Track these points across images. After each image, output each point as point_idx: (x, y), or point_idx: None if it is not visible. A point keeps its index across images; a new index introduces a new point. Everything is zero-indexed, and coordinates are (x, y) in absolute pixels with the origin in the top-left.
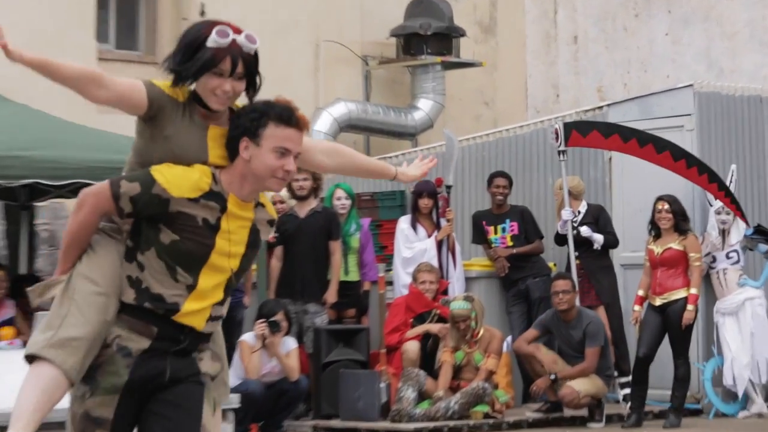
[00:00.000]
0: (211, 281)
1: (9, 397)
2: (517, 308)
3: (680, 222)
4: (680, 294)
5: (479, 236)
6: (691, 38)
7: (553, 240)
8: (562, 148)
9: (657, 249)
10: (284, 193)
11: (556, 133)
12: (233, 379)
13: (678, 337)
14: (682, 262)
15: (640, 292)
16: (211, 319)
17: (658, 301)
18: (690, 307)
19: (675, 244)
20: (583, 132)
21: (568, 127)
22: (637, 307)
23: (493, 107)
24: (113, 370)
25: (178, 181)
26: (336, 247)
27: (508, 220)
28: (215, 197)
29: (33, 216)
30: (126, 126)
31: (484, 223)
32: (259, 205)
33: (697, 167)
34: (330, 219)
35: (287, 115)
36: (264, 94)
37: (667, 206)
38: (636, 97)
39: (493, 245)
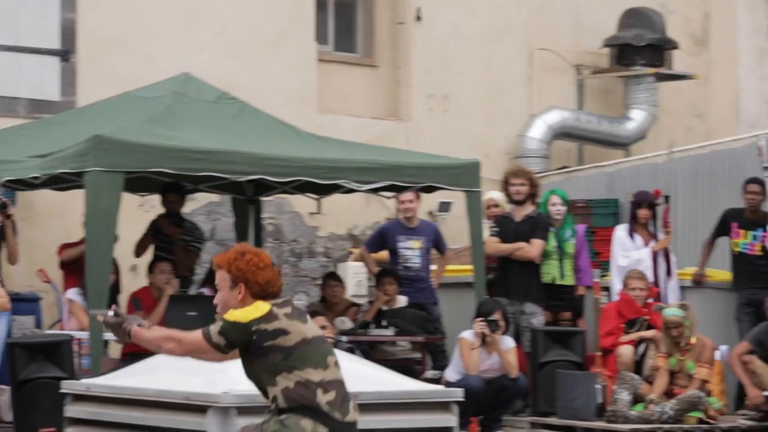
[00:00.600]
0: None
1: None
2: (748, 317)
3: None
4: None
5: (721, 231)
6: None
7: None
8: (766, 164)
9: None
10: (499, 195)
11: (761, 150)
12: (453, 374)
13: None
14: None
15: None
16: None
17: None
18: None
19: None
20: None
21: None
22: None
23: (706, 120)
24: None
25: None
26: (536, 243)
27: (761, 229)
28: None
29: (259, 210)
30: (345, 127)
31: (735, 224)
32: None
33: None
34: (539, 221)
35: None
36: (479, 99)
37: None
38: None
39: (738, 248)
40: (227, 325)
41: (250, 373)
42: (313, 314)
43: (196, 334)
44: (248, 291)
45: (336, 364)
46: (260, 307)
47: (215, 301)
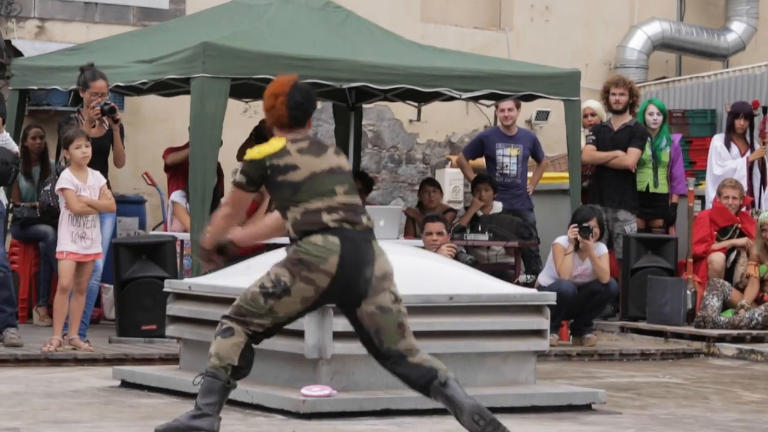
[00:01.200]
0: None
1: None
2: None
3: None
4: None
5: None
6: None
7: None
8: None
9: None
10: (596, 105)
11: None
12: (546, 279)
13: None
14: None
15: None
16: None
17: None
18: None
19: None
20: None
21: None
22: None
23: None
24: None
25: None
26: (632, 152)
27: None
28: None
29: (360, 117)
30: (447, 36)
31: None
32: None
33: None
34: (636, 130)
35: None
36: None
37: None
38: None
39: None
40: (245, 163)
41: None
42: (434, 219)
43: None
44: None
45: (347, 192)
46: (274, 144)
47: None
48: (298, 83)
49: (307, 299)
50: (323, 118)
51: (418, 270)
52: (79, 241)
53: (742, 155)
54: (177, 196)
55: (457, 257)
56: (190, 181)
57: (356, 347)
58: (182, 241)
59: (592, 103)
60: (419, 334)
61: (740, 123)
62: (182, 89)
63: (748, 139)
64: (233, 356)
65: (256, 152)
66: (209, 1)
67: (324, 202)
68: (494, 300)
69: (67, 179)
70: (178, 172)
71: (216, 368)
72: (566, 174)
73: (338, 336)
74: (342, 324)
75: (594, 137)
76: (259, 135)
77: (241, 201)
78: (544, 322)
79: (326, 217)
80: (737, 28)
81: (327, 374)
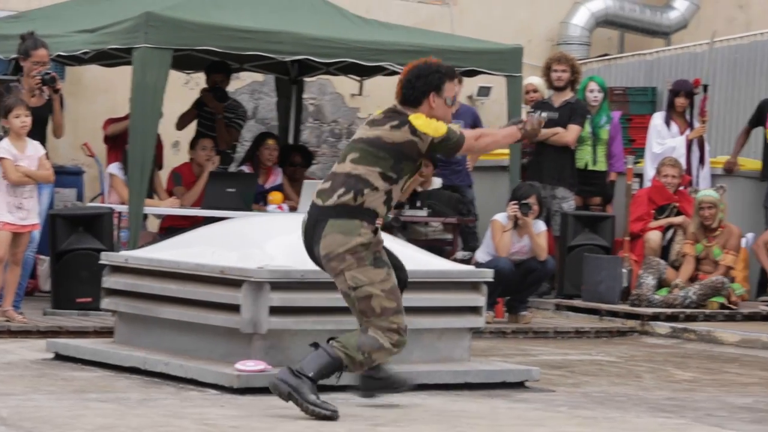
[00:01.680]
0: None
1: (280, 256)
2: None
3: None
4: None
5: (757, 120)
6: None
7: None
8: None
9: None
10: (538, 81)
11: None
12: (484, 255)
13: None
14: None
15: None
16: None
17: None
18: None
19: None
20: None
21: None
22: None
23: (747, 11)
24: None
25: None
26: (572, 129)
27: None
28: None
29: (302, 90)
30: (391, 10)
31: None
32: None
33: None
34: (577, 107)
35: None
36: None
37: None
38: None
39: None
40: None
41: None
42: None
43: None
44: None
45: (348, 159)
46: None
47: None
48: (421, 65)
49: None
50: (265, 91)
51: None
52: (15, 212)
53: (682, 134)
54: (114, 168)
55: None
56: (129, 152)
57: (292, 322)
58: (119, 214)
59: (534, 79)
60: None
61: (680, 101)
62: (124, 59)
63: (687, 117)
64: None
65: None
66: None
67: (335, 166)
68: (431, 276)
69: (4, 149)
70: (118, 143)
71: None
72: (506, 151)
73: (273, 311)
74: (278, 299)
75: (535, 113)
76: (200, 104)
77: None
78: (480, 299)
79: (319, 185)
80: (679, 5)
81: (262, 349)
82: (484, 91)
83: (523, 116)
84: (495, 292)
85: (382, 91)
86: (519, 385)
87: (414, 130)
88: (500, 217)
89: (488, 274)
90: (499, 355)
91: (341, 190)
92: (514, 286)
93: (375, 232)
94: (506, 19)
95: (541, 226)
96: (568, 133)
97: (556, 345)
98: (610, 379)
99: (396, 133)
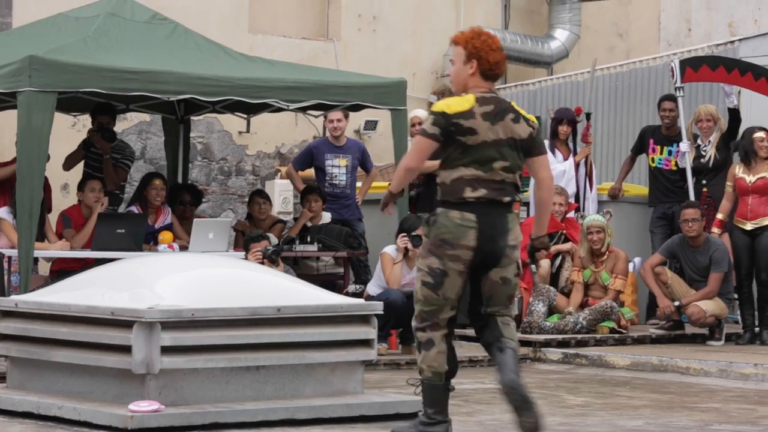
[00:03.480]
0: None
1: (170, 296)
2: (661, 230)
3: None
4: None
5: (640, 147)
6: None
7: None
8: (678, 84)
9: (749, 177)
10: (423, 113)
11: (672, 71)
12: (375, 288)
13: (765, 261)
14: None
15: (720, 216)
16: None
17: (749, 226)
18: None
19: (767, 173)
20: (695, 67)
21: (683, 64)
22: (716, 230)
23: (627, 39)
24: None
25: None
26: None
27: (676, 144)
28: None
29: (189, 129)
30: (275, 47)
31: (652, 141)
32: None
33: None
34: None
35: None
36: (407, 19)
37: (767, 135)
38: (766, 34)
39: (654, 164)
40: (436, 115)
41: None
42: (258, 239)
43: (415, 139)
44: (479, 67)
45: (504, 168)
46: (463, 103)
47: (448, 72)
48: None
49: (461, 273)
50: (152, 131)
51: (246, 282)
52: None
53: (566, 160)
54: (3, 212)
55: (264, 255)
56: (17, 196)
57: (184, 361)
58: (9, 258)
59: (419, 112)
60: (247, 347)
61: (563, 129)
62: (9, 104)
63: (571, 145)
64: (442, 363)
65: (445, 106)
66: (35, 14)
67: (477, 172)
68: (321, 311)
69: None
70: (5, 187)
71: (431, 378)
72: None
73: (165, 350)
74: (169, 338)
75: None
76: (87, 144)
77: (425, 151)
78: (371, 332)
79: (468, 193)
80: (560, 35)
81: (155, 389)
82: (371, 125)
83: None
84: (388, 323)
85: (269, 128)
86: (413, 416)
87: (530, 124)
88: (390, 250)
89: (378, 307)
90: (393, 386)
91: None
92: (407, 318)
93: None
94: (390, 52)
95: None
96: None
97: None
98: (504, 407)
99: (519, 127)
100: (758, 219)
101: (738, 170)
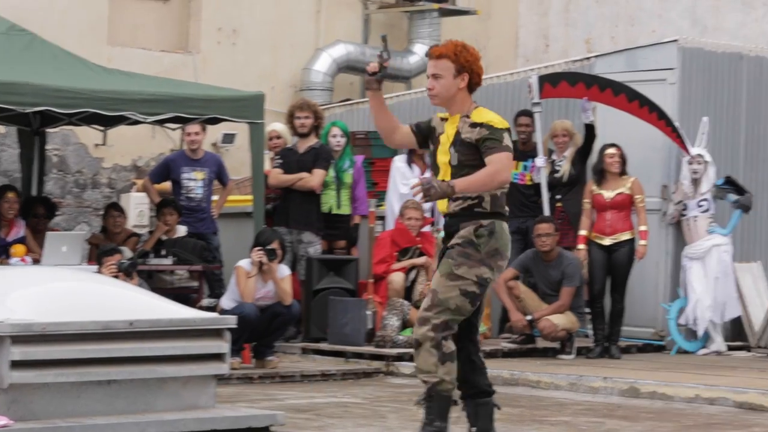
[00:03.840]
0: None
1: (21, 309)
2: (515, 244)
3: (624, 167)
4: (627, 236)
5: None
6: None
7: None
8: (536, 100)
9: (607, 193)
10: (281, 127)
11: (530, 87)
12: (229, 302)
13: (622, 276)
14: (629, 206)
15: (583, 233)
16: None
17: (607, 241)
18: (643, 242)
19: (624, 188)
20: (554, 83)
21: (542, 80)
22: (581, 246)
23: (485, 54)
24: None
25: None
26: (317, 173)
27: (531, 159)
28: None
29: (44, 141)
30: (133, 59)
31: None
32: (465, 116)
33: (648, 105)
34: (321, 152)
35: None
36: (267, 33)
37: (617, 151)
38: (622, 50)
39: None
40: (507, 130)
41: (461, 168)
42: (111, 252)
43: (500, 155)
44: (470, 80)
45: None
46: (503, 121)
47: (432, 86)
48: None
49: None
50: (7, 144)
51: (99, 295)
52: None
53: (422, 174)
54: None
55: (119, 268)
56: None
57: (33, 375)
58: None
59: (276, 126)
60: (99, 361)
61: None
62: None
63: (427, 159)
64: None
65: (499, 121)
66: None
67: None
68: (174, 324)
69: None
70: None
71: (449, 391)
72: (250, 197)
73: (15, 365)
74: (19, 352)
75: (281, 160)
76: None
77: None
78: (223, 346)
79: (505, 205)
80: (419, 50)
81: (4, 404)
82: (229, 138)
83: (267, 164)
84: (241, 337)
85: (126, 141)
86: (265, 430)
87: None
88: (244, 263)
89: (231, 321)
90: (245, 400)
91: None
92: (260, 331)
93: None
94: (249, 65)
95: (284, 270)
96: (313, 178)
97: (302, 389)
98: (356, 421)
99: None
100: (616, 234)
101: (594, 187)
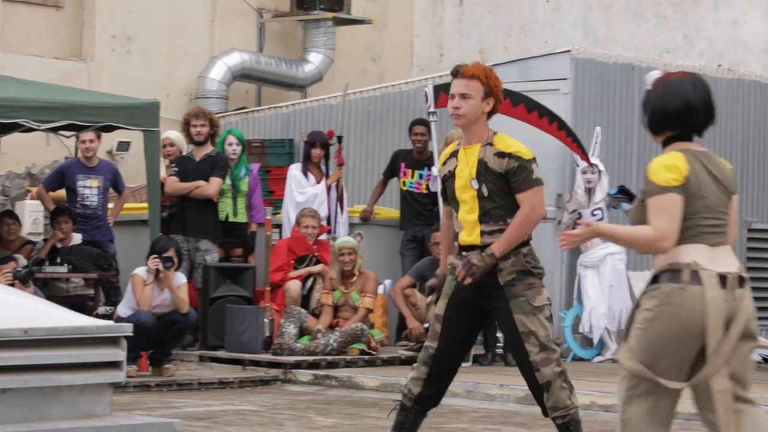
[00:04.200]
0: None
1: None
2: (411, 252)
3: None
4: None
5: (391, 170)
6: (570, 6)
7: None
8: (432, 109)
9: None
10: (175, 135)
11: (426, 96)
12: (125, 310)
13: None
14: None
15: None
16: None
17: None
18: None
19: None
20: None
21: (437, 89)
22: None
23: (380, 63)
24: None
25: None
26: (214, 181)
27: (426, 168)
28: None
29: None
30: (26, 66)
31: (403, 164)
32: (487, 144)
33: (548, 116)
34: (217, 160)
35: (454, 70)
36: (162, 41)
37: None
38: (516, 60)
39: (405, 187)
40: (532, 161)
41: (491, 199)
42: (6, 261)
43: (532, 191)
44: (493, 106)
45: None
46: (529, 151)
47: (459, 105)
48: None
49: None
50: None
51: None
52: None
53: (318, 183)
54: None
55: (15, 276)
56: None
57: None
58: None
59: (171, 134)
60: None
61: (316, 152)
62: None
63: (323, 168)
64: None
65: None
66: None
67: None
68: (70, 333)
69: None
70: None
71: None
72: (145, 204)
73: None
74: None
75: (176, 168)
76: None
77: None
78: (120, 354)
79: None
80: (314, 59)
81: None
82: (124, 146)
83: (162, 172)
84: (138, 345)
85: (20, 148)
86: None
87: None
88: (141, 271)
89: (127, 329)
90: (142, 408)
91: None
92: (157, 339)
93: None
94: (144, 73)
95: (181, 278)
96: (210, 186)
97: (200, 396)
98: (253, 428)
99: None
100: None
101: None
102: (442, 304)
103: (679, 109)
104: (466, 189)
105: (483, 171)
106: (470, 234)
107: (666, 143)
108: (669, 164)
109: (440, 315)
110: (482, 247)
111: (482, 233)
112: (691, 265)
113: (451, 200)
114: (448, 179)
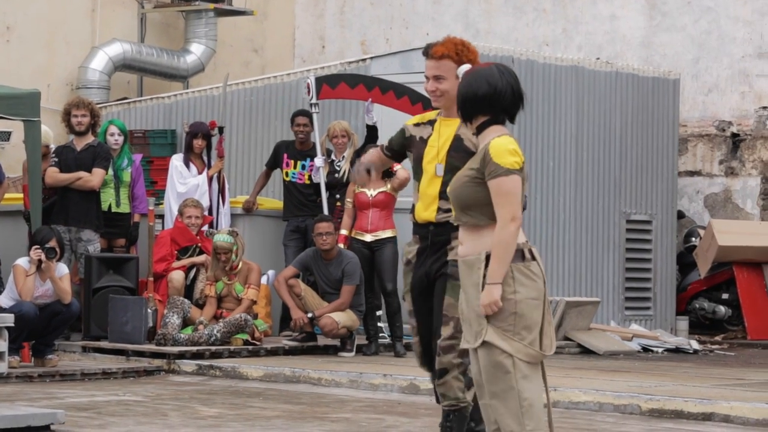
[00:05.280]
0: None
1: None
2: (294, 243)
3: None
4: (389, 233)
5: (274, 161)
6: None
7: None
8: (314, 101)
9: (370, 192)
10: (44, 129)
11: (308, 87)
12: (7, 300)
13: (389, 273)
14: (391, 205)
15: (344, 232)
16: (442, 212)
17: (369, 238)
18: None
19: (386, 188)
20: (332, 84)
21: (319, 81)
22: (341, 245)
23: (262, 55)
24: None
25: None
26: (96, 172)
27: (309, 159)
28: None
29: None
30: None
31: (285, 155)
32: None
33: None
34: (99, 151)
35: (424, 51)
36: (42, 30)
37: None
38: (397, 52)
39: (288, 178)
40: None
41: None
42: None
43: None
44: None
45: None
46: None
47: (434, 88)
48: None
49: None
50: None
51: None
52: None
53: (200, 173)
54: None
55: None
56: None
57: None
58: None
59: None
60: None
61: (198, 143)
62: None
63: (205, 158)
64: None
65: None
66: None
67: None
68: None
69: None
70: None
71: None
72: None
73: None
74: None
75: (56, 158)
76: None
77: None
78: (1, 345)
79: None
80: (196, 50)
81: None
82: (4, 136)
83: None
84: (20, 336)
85: None
86: (45, 429)
87: None
88: (22, 262)
89: (9, 320)
90: (25, 399)
91: None
92: (40, 330)
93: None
94: (24, 62)
95: (63, 269)
96: (93, 178)
97: (83, 387)
98: (137, 419)
99: None
100: (378, 232)
101: (357, 186)
102: (409, 299)
103: (487, 93)
104: (434, 162)
105: (455, 147)
106: (426, 209)
107: (480, 129)
108: (510, 148)
109: (411, 310)
110: (437, 225)
111: (439, 210)
112: (527, 245)
113: (416, 165)
114: (417, 144)
